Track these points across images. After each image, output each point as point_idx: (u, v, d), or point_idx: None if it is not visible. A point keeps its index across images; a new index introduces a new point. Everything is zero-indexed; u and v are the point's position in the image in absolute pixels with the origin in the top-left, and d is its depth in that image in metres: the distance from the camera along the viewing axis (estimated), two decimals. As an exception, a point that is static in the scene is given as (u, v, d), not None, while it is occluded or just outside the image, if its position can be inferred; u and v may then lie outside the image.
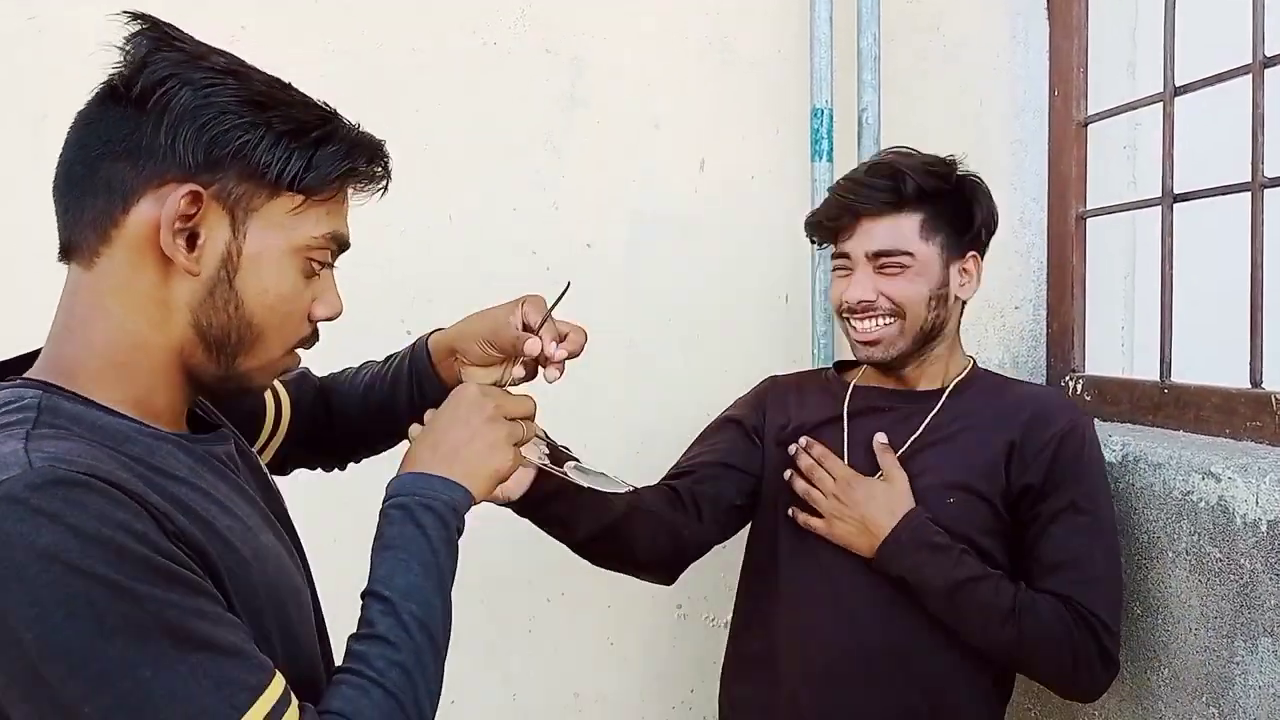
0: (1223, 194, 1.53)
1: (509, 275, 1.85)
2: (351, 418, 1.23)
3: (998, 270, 1.99)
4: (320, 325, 0.92)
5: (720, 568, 1.65)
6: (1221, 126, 1.63)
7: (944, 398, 1.48)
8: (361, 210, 1.17)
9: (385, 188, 0.92)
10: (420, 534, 0.89)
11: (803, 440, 1.47)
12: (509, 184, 1.84)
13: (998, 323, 1.99)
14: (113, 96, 0.82)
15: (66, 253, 0.85)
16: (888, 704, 1.39)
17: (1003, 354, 1.99)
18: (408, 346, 1.24)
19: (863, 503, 1.39)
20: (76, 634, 0.67)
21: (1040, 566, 1.37)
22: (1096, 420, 1.75)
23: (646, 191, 1.89)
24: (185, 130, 0.80)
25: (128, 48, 0.81)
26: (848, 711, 1.40)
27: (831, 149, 1.85)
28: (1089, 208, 1.90)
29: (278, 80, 0.86)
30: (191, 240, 0.82)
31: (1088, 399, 1.82)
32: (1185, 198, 1.59)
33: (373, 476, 1.25)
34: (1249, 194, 1.47)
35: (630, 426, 1.90)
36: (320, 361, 1.72)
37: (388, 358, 1.26)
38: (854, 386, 1.53)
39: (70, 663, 0.67)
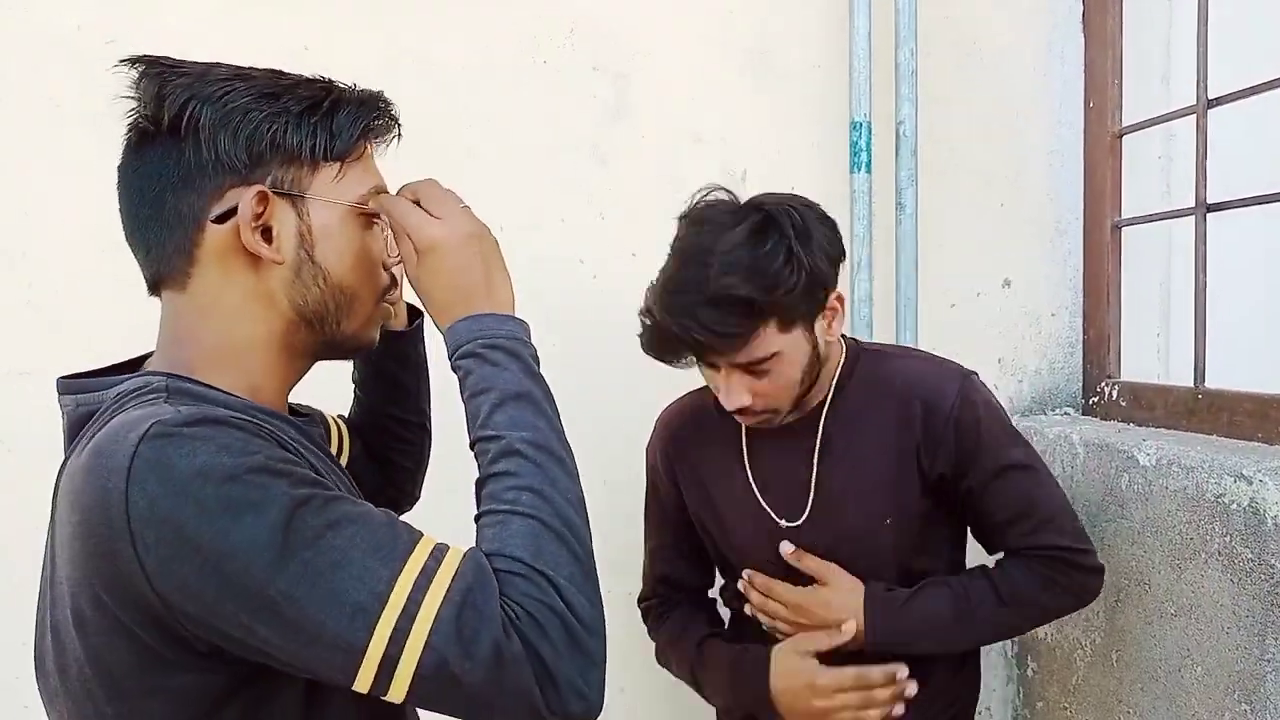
0: (1256, 204, 1.56)
1: (557, 283, 1.92)
2: (369, 414, 1.30)
3: (1034, 279, 2.03)
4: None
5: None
6: (1254, 137, 1.66)
7: (828, 404, 1.46)
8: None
9: (399, 134, 0.98)
10: (499, 371, 0.89)
11: (745, 574, 1.49)
12: (558, 195, 1.91)
13: (1034, 330, 2.03)
14: (145, 137, 0.89)
15: (156, 285, 0.92)
16: None
17: (1039, 360, 2.03)
18: None
19: (821, 612, 1.42)
20: (243, 533, 0.74)
21: (994, 525, 1.45)
22: (1131, 425, 1.79)
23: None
24: (222, 139, 0.86)
25: (139, 90, 0.88)
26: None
27: (870, 161, 1.90)
28: (1124, 217, 1.94)
29: (273, 70, 0.92)
30: (267, 234, 0.88)
31: (1123, 404, 1.85)
32: (1218, 208, 1.63)
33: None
34: (1280, 204, 1.50)
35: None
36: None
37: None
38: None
39: (244, 559, 0.74)
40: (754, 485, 1.49)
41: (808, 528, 1.46)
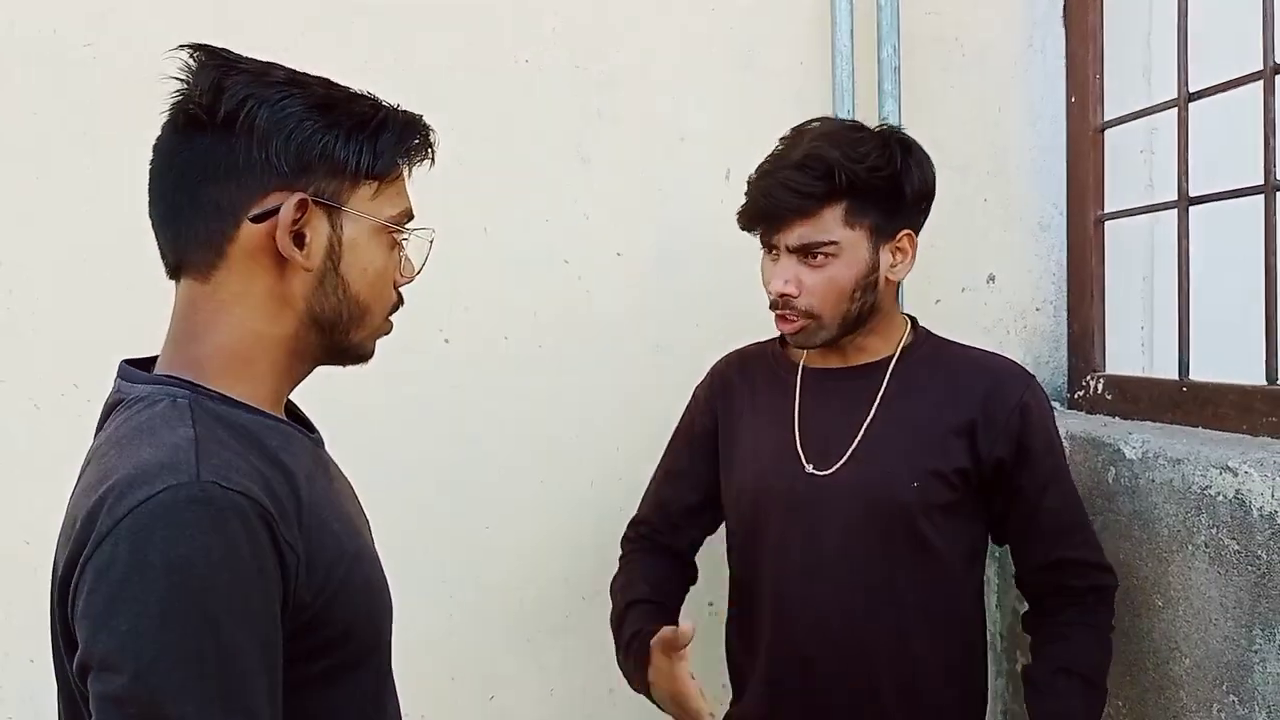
0: (1236, 196, 1.57)
1: (542, 284, 1.91)
2: None
3: (1019, 274, 2.04)
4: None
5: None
6: (1235, 131, 1.67)
7: (890, 369, 1.48)
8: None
9: (433, 160, 1.01)
10: None
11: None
12: (541, 196, 1.90)
13: (1019, 324, 2.04)
14: (195, 124, 0.89)
15: (176, 270, 0.93)
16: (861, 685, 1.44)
17: (1024, 354, 2.04)
18: None
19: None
20: (159, 645, 0.74)
21: (1042, 534, 1.46)
22: (1117, 418, 1.80)
23: (674, 201, 1.94)
24: (275, 143, 0.88)
25: (197, 77, 0.88)
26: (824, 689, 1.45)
27: (854, 157, 1.90)
28: (1107, 211, 1.95)
29: (325, 79, 0.95)
30: (299, 239, 0.90)
31: (1108, 398, 1.86)
32: (1200, 200, 1.63)
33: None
34: (1262, 196, 1.51)
35: (659, 432, 1.95)
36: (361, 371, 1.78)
37: None
38: (803, 368, 1.54)
39: (140, 666, 0.73)
40: (796, 430, 1.48)
41: (835, 478, 1.44)
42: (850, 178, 1.36)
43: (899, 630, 1.43)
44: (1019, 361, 2.02)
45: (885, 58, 1.90)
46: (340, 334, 0.95)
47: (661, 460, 1.70)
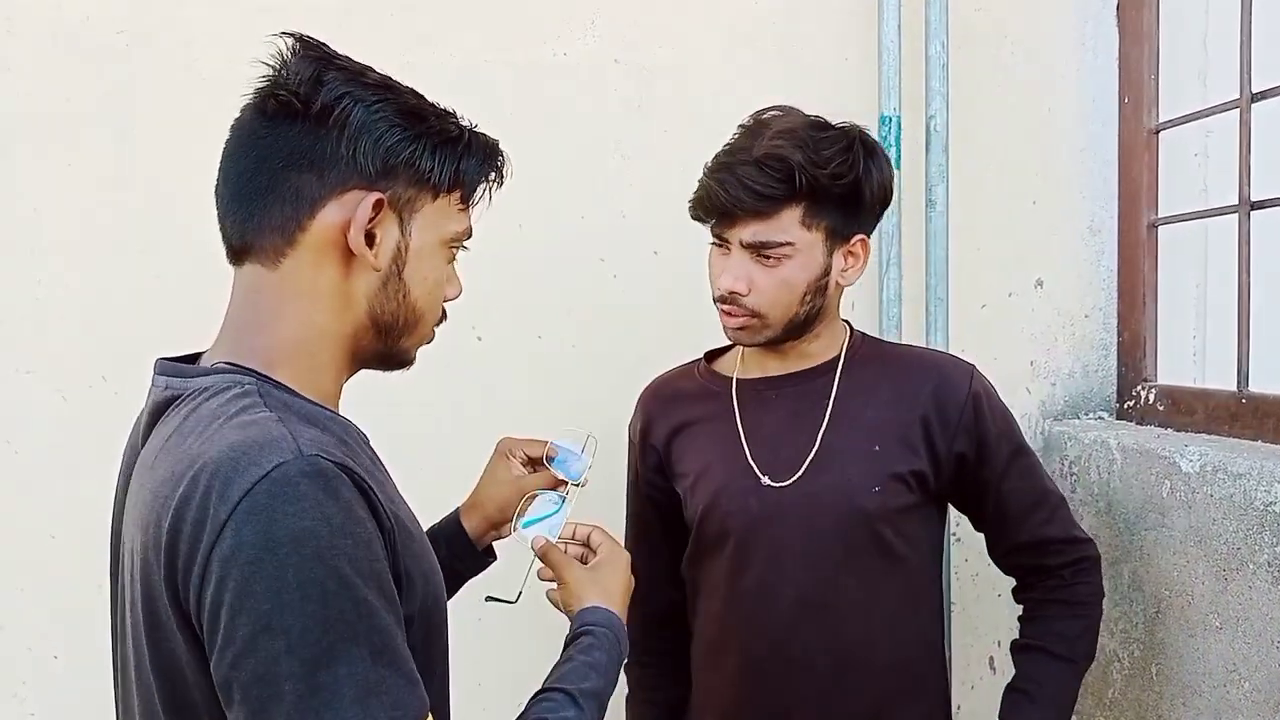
0: (1302, 201, 1.51)
1: (577, 282, 1.87)
2: None
3: (1068, 279, 1.98)
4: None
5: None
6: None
7: (838, 374, 1.44)
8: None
9: (501, 184, 1.04)
10: (605, 657, 1.09)
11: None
12: (578, 192, 1.86)
13: (1068, 331, 1.98)
14: (287, 111, 0.90)
15: (241, 254, 0.93)
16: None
17: (1073, 363, 1.98)
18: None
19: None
20: (304, 616, 0.75)
21: (1011, 519, 1.46)
22: (1170, 430, 1.74)
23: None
24: (364, 143, 0.90)
25: (294, 66, 0.90)
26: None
27: (899, 156, 1.85)
28: (1160, 215, 1.88)
29: (412, 89, 0.97)
30: (369, 239, 0.92)
31: (1160, 408, 1.80)
32: (1263, 205, 1.57)
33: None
34: (1331, 201, 1.45)
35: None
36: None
37: None
38: (738, 380, 1.48)
39: (290, 640, 0.75)
40: (744, 443, 1.44)
41: (795, 489, 1.40)
42: (811, 181, 1.31)
43: (863, 641, 1.40)
44: (1067, 369, 1.99)
45: (933, 54, 1.85)
46: (394, 338, 0.97)
47: (634, 560, 1.54)
